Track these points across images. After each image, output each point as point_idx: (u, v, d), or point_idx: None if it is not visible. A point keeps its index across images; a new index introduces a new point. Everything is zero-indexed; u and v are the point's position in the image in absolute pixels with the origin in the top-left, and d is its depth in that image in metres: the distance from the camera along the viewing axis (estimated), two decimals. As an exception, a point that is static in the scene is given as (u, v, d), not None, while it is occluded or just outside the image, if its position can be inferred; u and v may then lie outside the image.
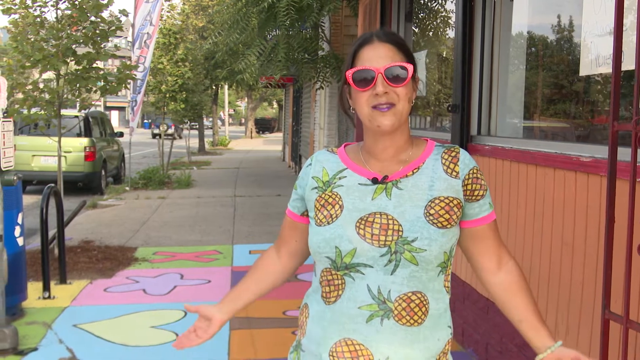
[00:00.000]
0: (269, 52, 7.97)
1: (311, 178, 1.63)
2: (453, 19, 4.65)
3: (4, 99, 4.53)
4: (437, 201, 1.51)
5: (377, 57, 1.51)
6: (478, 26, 4.06)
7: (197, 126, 27.77)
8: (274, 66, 7.83)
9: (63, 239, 5.90)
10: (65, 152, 11.20)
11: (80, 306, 5.20)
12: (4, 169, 4.50)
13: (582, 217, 2.75)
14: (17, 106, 6.97)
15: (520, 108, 3.96)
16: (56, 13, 6.84)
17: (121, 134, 15.26)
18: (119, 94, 13.99)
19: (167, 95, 18.71)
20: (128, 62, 7.80)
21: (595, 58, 2.63)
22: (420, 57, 5.32)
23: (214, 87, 28.24)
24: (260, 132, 54.82)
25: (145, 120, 52.60)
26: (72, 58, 6.78)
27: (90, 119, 13.08)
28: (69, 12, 6.86)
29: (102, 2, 6.85)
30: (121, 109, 66.36)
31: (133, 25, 13.16)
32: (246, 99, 46.87)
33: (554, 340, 1.54)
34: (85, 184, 12.86)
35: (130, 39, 13.95)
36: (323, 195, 1.59)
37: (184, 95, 19.42)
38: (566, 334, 2.87)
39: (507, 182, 3.53)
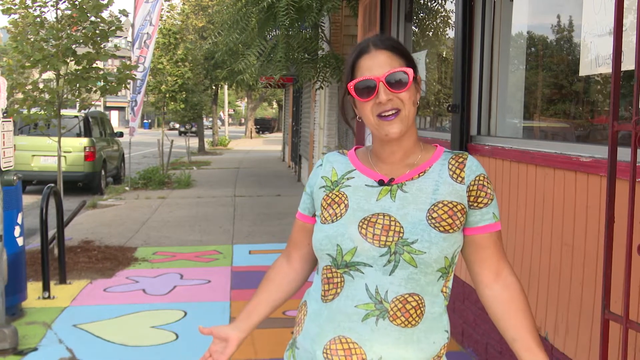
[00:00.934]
0: (268, 52, 7.98)
1: (320, 177, 1.65)
2: (453, 19, 4.65)
3: (4, 99, 4.53)
4: (440, 205, 1.51)
5: (376, 65, 1.51)
6: (478, 26, 4.05)
7: (197, 126, 27.80)
8: (273, 66, 7.83)
9: (63, 239, 5.90)
10: (65, 152, 11.20)
11: (80, 306, 5.20)
12: (4, 169, 4.50)
13: (582, 217, 2.75)
14: (17, 106, 6.97)
15: (520, 108, 3.96)
16: (56, 13, 6.84)
17: (121, 134, 15.25)
18: (119, 94, 13.98)
19: (167, 95, 18.73)
20: (128, 62, 7.80)
21: (595, 58, 2.63)
22: (420, 57, 5.32)
23: (213, 87, 28.25)
24: (260, 132, 54.83)
25: (145, 120, 52.59)
26: (72, 58, 6.78)
27: (90, 119, 13.08)
28: (69, 12, 6.86)
29: (102, 2, 6.85)
30: (121, 109, 66.34)
31: (133, 26, 13.16)
32: (246, 99, 46.87)
33: None
34: (85, 184, 12.86)
35: (130, 39, 13.94)
36: (330, 195, 1.60)
37: (184, 95, 19.44)
38: (566, 334, 2.87)
39: (507, 182, 3.53)
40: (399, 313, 1.49)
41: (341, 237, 1.52)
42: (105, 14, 7.00)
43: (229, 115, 68.09)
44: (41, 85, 7.09)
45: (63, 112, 7.27)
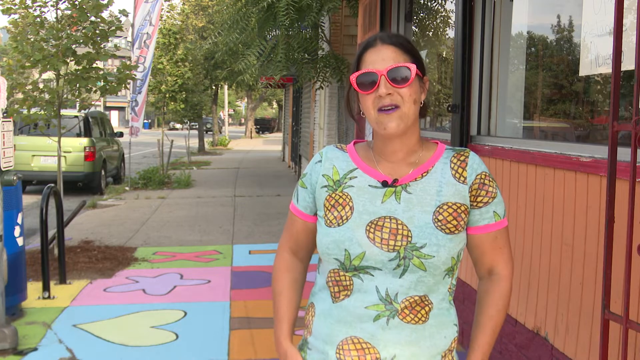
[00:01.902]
0: (268, 52, 7.98)
1: (321, 176, 1.61)
2: (453, 19, 4.65)
3: (4, 99, 4.53)
4: (445, 207, 1.51)
5: (380, 59, 1.51)
6: (478, 26, 4.05)
7: (197, 126, 27.80)
8: (273, 66, 7.83)
9: (63, 239, 5.90)
10: (65, 152, 11.20)
11: (80, 306, 5.20)
12: (4, 169, 4.50)
13: (582, 217, 2.75)
14: (17, 106, 6.97)
15: (520, 108, 3.96)
16: (56, 13, 6.84)
17: (121, 134, 15.25)
18: (119, 94, 13.98)
19: (167, 95, 18.72)
20: (128, 62, 7.80)
21: (595, 58, 2.63)
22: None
23: (213, 87, 28.25)
24: (260, 132, 54.82)
25: (145, 121, 52.51)
26: (72, 58, 6.79)
27: (90, 119, 13.08)
28: (69, 12, 6.86)
29: (102, 2, 6.85)
30: (121, 109, 66.34)
31: (133, 25, 13.16)
32: (246, 99, 46.87)
33: None
34: (85, 184, 12.86)
35: (130, 39, 13.94)
36: (333, 195, 1.58)
37: (184, 95, 19.43)
38: (566, 334, 2.87)
39: (507, 183, 3.53)
40: (407, 311, 1.49)
41: (349, 241, 1.51)
42: (105, 14, 7.00)
43: (229, 115, 68.07)
44: (41, 85, 7.09)
45: (63, 112, 7.27)
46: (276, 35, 8.08)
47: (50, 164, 11.66)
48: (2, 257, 4.34)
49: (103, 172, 13.51)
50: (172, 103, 19.17)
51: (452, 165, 1.55)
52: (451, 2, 4.98)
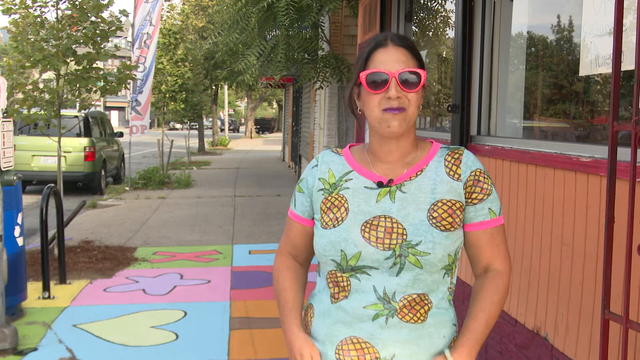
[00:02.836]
0: (268, 53, 7.98)
1: (317, 179, 1.63)
2: (453, 19, 4.65)
3: (4, 99, 4.53)
4: (439, 204, 1.52)
5: (391, 60, 1.51)
6: (478, 26, 4.05)
7: (197, 126, 27.80)
8: (273, 66, 7.83)
9: (63, 239, 5.90)
10: (65, 152, 11.20)
11: (80, 306, 5.20)
12: (4, 169, 4.50)
13: (582, 217, 2.75)
14: (17, 106, 6.97)
15: (520, 108, 3.96)
16: (56, 13, 6.84)
17: (121, 134, 15.24)
18: (119, 94, 13.98)
19: (167, 95, 18.73)
20: (128, 62, 7.80)
21: (595, 58, 2.63)
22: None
23: (213, 87, 28.25)
24: (260, 132, 54.83)
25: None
26: (72, 58, 6.79)
27: (90, 119, 13.08)
28: (69, 12, 6.86)
29: (102, 2, 6.85)
30: (121, 109, 66.34)
31: (133, 26, 13.16)
32: (246, 99, 46.87)
33: (463, 356, 1.52)
34: (85, 184, 12.86)
35: (130, 39, 13.95)
36: (329, 198, 1.59)
37: (184, 95, 19.44)
38: (566, 334, 2.87)
39: (507, 183, 3.54)
40: (405, 310, 1.50)
41: (344, 242, 1.52)
42: (105, 14, 7.00)
43: (229, 115, 68.07)
44: (41, 85, 7.09)
45: (63, 112, 7.27)
46: (276, 35, 8.08)
47: (50, 164, 11.66)
48: (2, 257, 4.34)
49: (103, 172, 13.50)
50: (172, 103, 19.18)
51: (446, 163, 1.56)
52: (451, 2, 4.98)
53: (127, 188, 13.47)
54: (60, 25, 6.77)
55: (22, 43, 6.55)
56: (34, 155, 12.35)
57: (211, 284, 5.85)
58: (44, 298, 5.33)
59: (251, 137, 44.09)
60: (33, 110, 6.92)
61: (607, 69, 2.54)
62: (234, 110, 74.44)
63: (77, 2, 6.80)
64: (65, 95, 6.95)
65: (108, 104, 58.33)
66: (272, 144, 35.70)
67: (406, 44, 1.55)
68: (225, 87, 35.34)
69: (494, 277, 1.58)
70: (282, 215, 9.90)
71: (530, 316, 3.20)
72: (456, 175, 1.54)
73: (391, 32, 1.62)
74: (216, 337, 4.40)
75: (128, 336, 4.47)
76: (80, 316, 4.92)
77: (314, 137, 13.05)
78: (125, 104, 56.62)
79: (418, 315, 1.50)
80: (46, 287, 5.37)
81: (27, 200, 10.36)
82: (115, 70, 7.30)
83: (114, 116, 63.84)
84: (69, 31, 6.79)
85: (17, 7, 6.78)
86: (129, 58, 13.45)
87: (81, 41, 6.80)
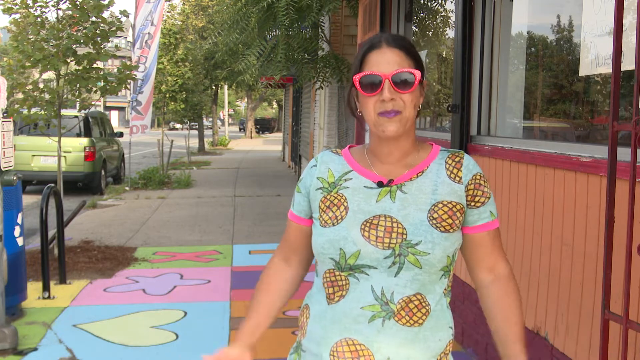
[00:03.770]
0: (268, 53, 7.98)
1: (316, 179, 1.62)
2: (453, 19, 4.65)
3: (4, 99, 4.53)
4: (440, 205, 1.52)
5: (385, 62, 1.50)
6: (478, 26, 4.06)
7: (197, 126, 27.81)
8: (273, 66, 7.84)
9: (63, 239, 5.90)
10: (65, 152, 11.19)
11: (80, 306, 5.20)
12: (4, 169, 4.50)
13: (582, 217, 2.75)
14: (17, 106, 6.97)
15: (520, 108, 3.96)
16: (57, 13, 6.84)
17: (121, 134, 15.25)
18: (119, 94, 13.97)
19: (167, 95, 18.73)
20: (128, 63, 7.80)
21: (595, 58, 2.63)
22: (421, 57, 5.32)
23: (213, 87, 28.26)
24: (260, 132, 54.84)
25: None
26: (73, 58, 6.79)
27: (90, 119, 13.08)
28: (69, 12, 6.86)
29: (103, 2, 6.85)
30: (121, 109, 66.35)
31: (133, 26, 13.16)
32: (246, 99, 46.88)
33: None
34: (85, 184, 12.86)
35: (130, 39, 13.96)
36: (328, 197, 1.58)
37: (184, 95, 19.44)
38: (566, 334, 2.87)
39: (507, 182, 3.54)
40: (403, 312, 1.49)
41: (344, 240, 1.51)
42: (105, 14, 7.00)
43: (229, 115, 68.09)
44: (41, 85, 7.09)
45: (63, 112, 7.27)
46: (276, 35, 8.08)
47: (50, 164, 11.66)
48: (2, 257, 4.34)
49: (103, 172, 13.50)
50: (172, 103, 19.18)
51: (447, 165, 1.56)
52: (451, 2, 4.98)
53: (127, 188, 13.47)
54: (60, 25, 6.77)
55: (22, 43, 6.55)
56: (34, 155, 12.35)
57: (211, 284, 5.85)
58: (44, 298, 5.33)
59: (251, 137, 44.09)
60: (33, 110, 6.92)
61: (607, 69, 2.55)
62: (234, 110, 74.46)
63: (77, 2, 6.80)
64: (65, 95, 6.95)
65: (108, 104, 58.34)
66: (272, 144, 35.70)
67: (401, 45, 1.54)
68: (225, 87, 35.33)
69: (508, 282, 1.59)
70: (282, 215, 9.90)
71: (530, 316, 3.20)
72: (457, 178, 1.54)
73: (387, 33, 1.61)
74: (216, 337, 4.40)
75: (128, 336, 4.47)
76: (80, 316, 4.92)
77: (314, 137, 13.05)
78: (125, 104, 56.62)
79: (415, 318, 1.50)
80: (46, 287, 5.37)
81: (27, 200, 10.36)
82: (115, 70, 7.31)
83: (114, 116, 63.84)
84: (69, 31, 6.79)
85: (17, 6, 6.78)
86: (129, 58, 13.45)
87: (81, 41, 6.80)
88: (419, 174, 1.56)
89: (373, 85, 1.50)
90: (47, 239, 5.53)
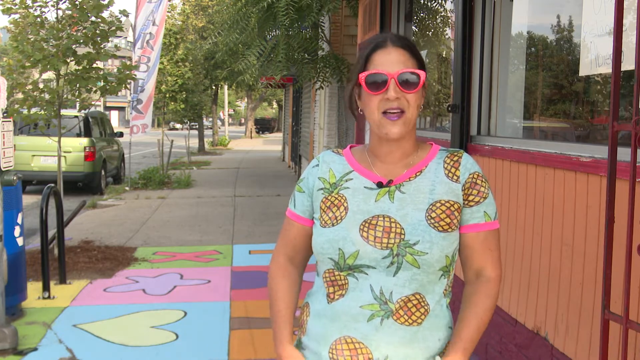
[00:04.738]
0: (268, 53, 7.98)
1: (317, 179, 1.63)
2: (453, 19, 4.65)
3: (4, 99, 4.53)
4: (438, 204, 1.52)
5: (390, 61, 1.51)
6: (478, 26, 4.05)
7: (197, 126, 27.80)
8: (274, 66, 7.84)
9: (63, 239, 5.90)
10: (65, 152, 11.19)
11: (80, 306, 5.20)
12: (4, 169, 4.50)
13: (582, 217, 2.75)
14: (17, 106, 6.97)
15: (520, 108, 3.96)
16: (56, 13, 6.84)
17: (121, 134, 15.24)
18: (119, 94, 13.97)
19: (167, 95, 18.73)
20: (128, 63, 7.80)
21: (595, 58, 2.63)
22: (421, 57, 5.32)
23: (213, 87, 28.25)
24: (260, 132, 54.83)
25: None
26: (72, 58, 6.79)
27: (90, 119, 13.08)
28: (69, 12, 6.86)
29: (102, 2, 6.85)
30: (121, 109, 66.36)
31: (134, 26, 13.15)
32: (246, 99, 46.87)
33: None
34: (85, 184, 12.86)
35: (130, 39, 13.96)
36: (329, 197, 1.59)
37: (184, 95, 19.44)
38: (566, 334, 2.87)
39: (507, 183, 3.53)
40: (401, 312, 1.49)
41: (343, 240, 1.52)
42: (105, 14, 7.00)
43: (229, 115, 68.09)
44: (41, 85, 7.09)
45: (63, 112, 7.27)
46: (276, 35, 8.08)
47: (50, 164, 11.66)
48: (2, 257, 4.34)
49: (103, 172, 13.50)
50: (172, 103, 19.18)
51: (446, 165, 1.56)
52: (451, 2, 4.98)
53: (127, 188, 13.47)
54: (60, 25, 6.77)
55: (22, 43, 6.55)
56: (34, 155, 12.35)
57: (211, 284, 5.85)
58: (44, 298, 5.33)
59: (251, 137, 44.09)
60: (33, 110, 6.92)
61: (607, 69, 2.55)
62: (234, 110, 74.45)
63: (77, 2, 6.80)
64: (65, 95, 6.95)
65: (108, 104, 58.33)
66: (272, 144, 35.70)
67: (405, 45, 1.55)
68: (225, 87, 35.33)
69: (485, 283, 1.58)
70: (282, 215, 9.88)
71: (530, 316, 3.20)
72: (455, 177, 1.54)
73: (391, 32, 1.62)
74: (216, 337, 4.39)
75: (128, 336, 4.47)
76: (80, 316, 4.91)
77: (314, 137, 13.05)
78: (125, 104, 56.67)
79: (414, 317, 1.50)
80: (46, 287, 5.37)
81: (27, 200, 10.36)
82: (115, 70, 7.31)
83: (114, 116, 63.83)
84: (69, 31, 6.79)
85: (17, 7, 6.78)
86: (129, 58, 13.44)
87: (81, 41, 6.80)
88: (417, 174, 1.56)
89: (378, 84, 1.51)
90: (47, 239, 5.53)
